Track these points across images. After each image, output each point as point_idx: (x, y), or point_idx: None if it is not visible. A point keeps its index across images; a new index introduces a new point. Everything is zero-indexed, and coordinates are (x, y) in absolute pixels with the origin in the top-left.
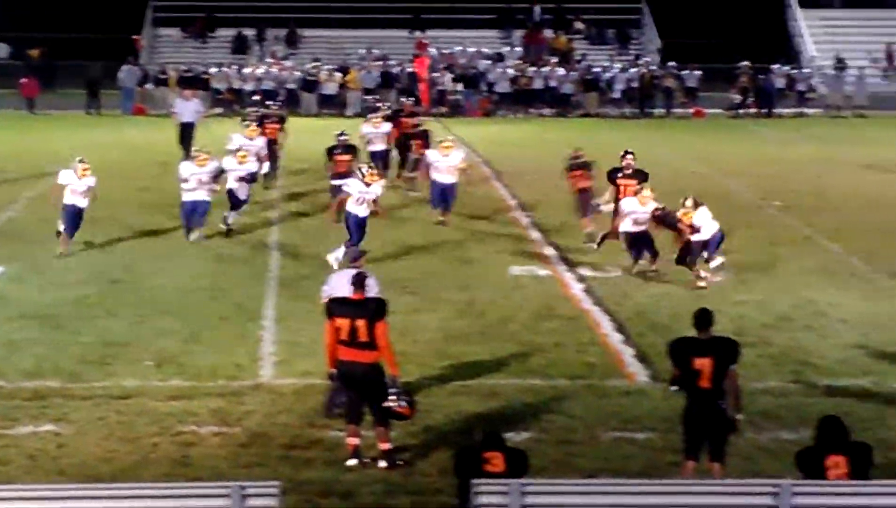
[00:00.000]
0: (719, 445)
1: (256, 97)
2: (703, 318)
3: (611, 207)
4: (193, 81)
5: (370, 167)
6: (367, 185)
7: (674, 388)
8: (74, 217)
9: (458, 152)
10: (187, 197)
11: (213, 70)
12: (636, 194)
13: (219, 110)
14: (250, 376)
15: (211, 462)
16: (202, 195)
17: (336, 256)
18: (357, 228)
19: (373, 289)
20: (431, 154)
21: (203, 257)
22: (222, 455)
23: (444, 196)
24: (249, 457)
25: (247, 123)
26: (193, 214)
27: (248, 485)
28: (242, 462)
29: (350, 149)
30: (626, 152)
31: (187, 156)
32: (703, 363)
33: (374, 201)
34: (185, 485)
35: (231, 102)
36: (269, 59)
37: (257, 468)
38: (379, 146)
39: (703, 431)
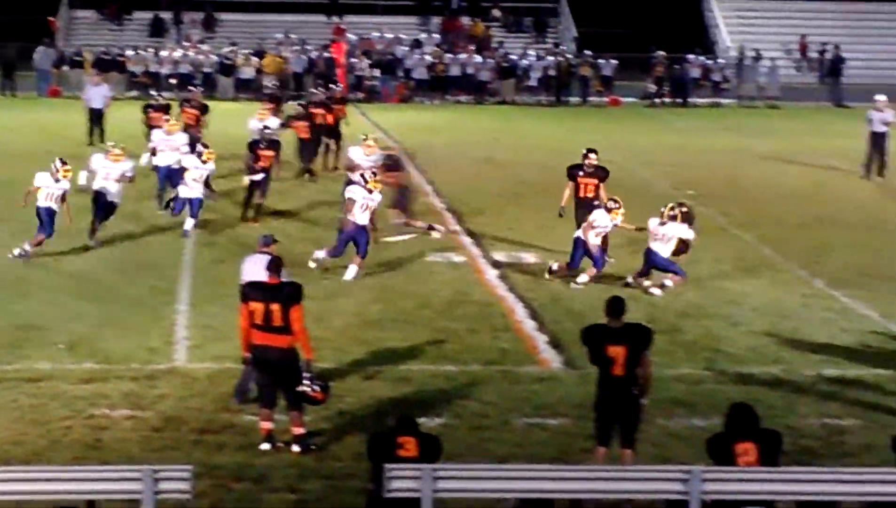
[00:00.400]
0: (630, 432)
1: (173, 81)
2: (615, 306)
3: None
4: (110, 64)
5: (374, 173)
6: (370, 191)
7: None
8: (52, 219)
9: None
10: (96, 186)
11: (129, 53)
12: (595, 193)
13: (134, 93)
14: (164, 360)
15: (123, 445)
16: (111, 189)
17: (351, 275)
18: (359, 235)
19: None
20: (354, 152)
21: (117, 241)
22: (135, 439)
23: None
24: (162, 441)
25: (166, 116)
26: (100, 207)
27: (161, 469)
28: (155, 446)
29: (274, 144)
30: (590, 151)
31: (92, 141)
32: (616, 351)
33: (373, 212)
34: (98, 469)
35: (147, 85)
36: (185, 43)
37: (170, 452)
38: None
39: (615, 418)
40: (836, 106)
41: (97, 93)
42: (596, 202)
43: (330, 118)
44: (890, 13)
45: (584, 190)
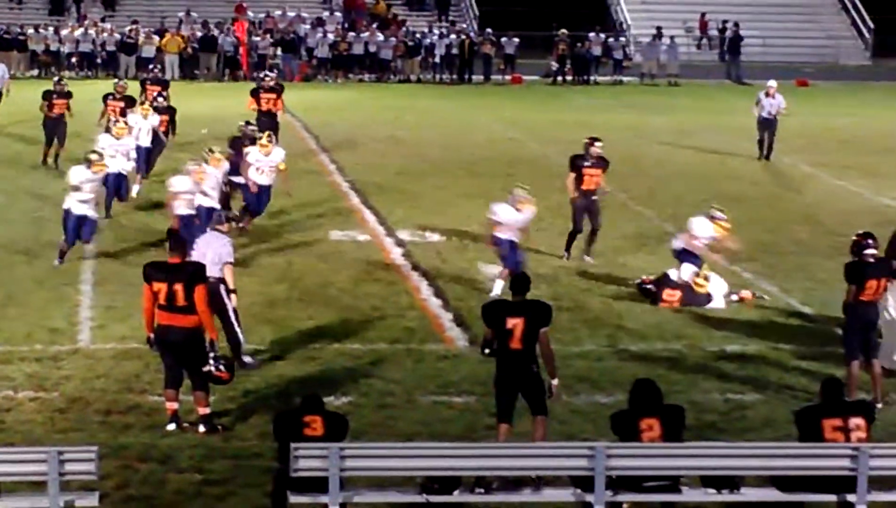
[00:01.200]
0: (537, 400)
1: (74, 59)
2: (520, 283)
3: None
4: (10, 43)
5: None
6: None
7: (486, 352)
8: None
9: (279, 150)
10: (76, 209)
11: (30, 31)
12: (597, 185)
13: (35, 72)
14: (68, 340)
15: (27, 426)
16: (89, 210)
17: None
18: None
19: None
20: (252, 152)
21: (19, 221)
22: (39, 421)
23: (259, 200)
24: (67, 422)
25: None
26: (79, 229)
27: (66, 450)
28: (59, 427)
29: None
30: (593, 139)
31: None
32: (514, 324)
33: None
34: (1, 450)
35: (48, 64)
36: (86, 22)
37: (75, 433)
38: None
39: (515, 393)
40: (737, 83)
41: None
42: (595, 197)
43: (279, 104)
44: None
45: (587, 182)
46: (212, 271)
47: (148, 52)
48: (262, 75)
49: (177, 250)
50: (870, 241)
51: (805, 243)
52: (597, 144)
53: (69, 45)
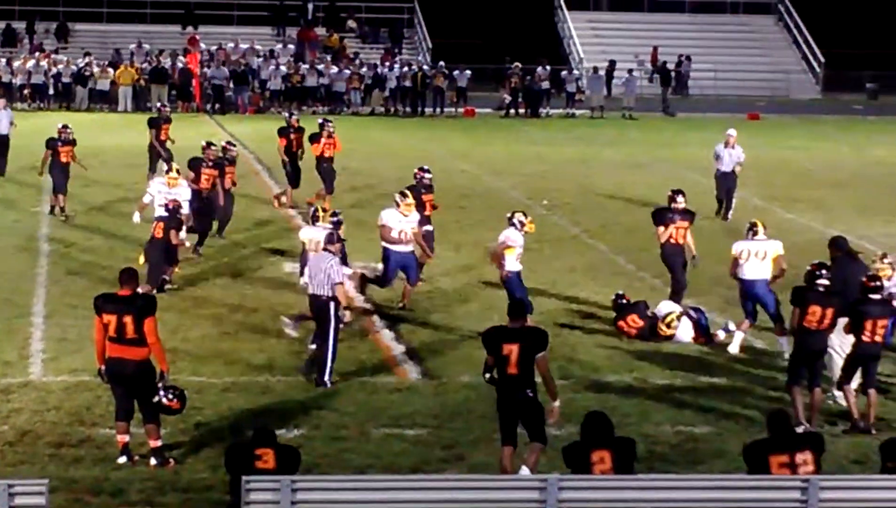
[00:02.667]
0: (534, 427)
1: (26, 91)
2: (516, 309)
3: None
4: None
5: (403, 195)
6: (405, 215)
7: (486, 377)
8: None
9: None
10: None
11: None
12: (684, 237)
13: None
14: (19, 373)
15: None
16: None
17: None
18: (404, 266)
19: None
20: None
21: None
22: None
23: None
24: (17, 455)
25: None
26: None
27: (16, 483)
28: (9, 461)
29: (219, 163)
30: (676, 192)
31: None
32: (510, 349)
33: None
34: None
35: None
36: (37, 53)
37: (25, 466)
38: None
39: (515, 417)
40: (667, 115)
41: (2, 118)
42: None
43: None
44: (736, 25)
45: (675, 235)
46: (323, 291)
47: (103, 84)
48: (288, 115)
49: (127, 282)
50: (823, 271)
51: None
52: (679, 197)
53: (21, 77)
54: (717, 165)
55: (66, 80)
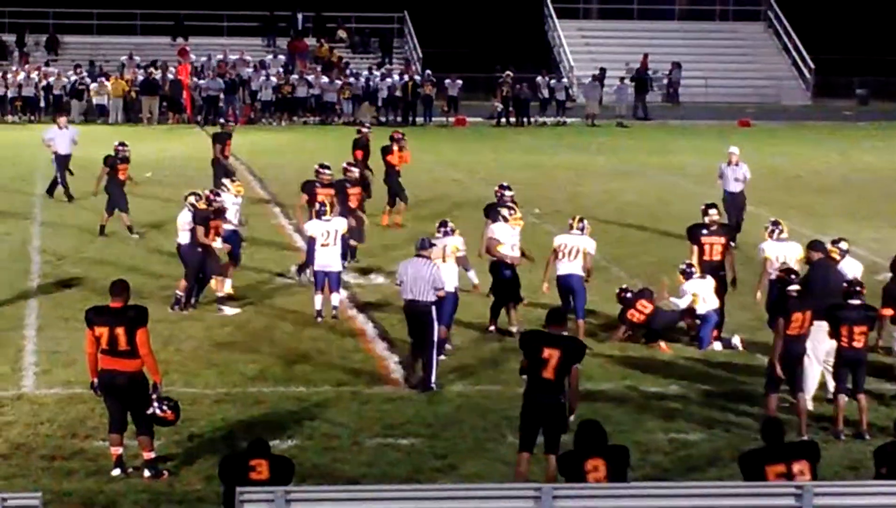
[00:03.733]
0: (555, 437)
1: (18, 104)
2: (556, 315)
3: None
4: None
5: (511, 209)
6: (513, 229)
7: (524, 377)
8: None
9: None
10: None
11: None
12: (723, 255)
13: None
14: (11, 386)
15: None
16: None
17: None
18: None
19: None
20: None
21: None
22: None
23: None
24: (10, 468)
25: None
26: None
27: (9, 496)
28: (3, 474)
29: (339, 185)
30: (709, 206)
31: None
32: (551, 353)
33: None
34: None
35: None
36: (26, 66)
37: (18, 478)
38: None
39: (540, 422)
40: (643, 120)
41: (65, 137)
42: (722, 272)
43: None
44: (726, 32)
45: (710, 252)
46: (425, 296)
47: (100, 99)
48: (363, 125)
49: (118, 294)
50: (792, 276)
51: (749, 282)
52: (711, 211)
53: (12, 90)
54: (722, 186)
55: (56, 92)
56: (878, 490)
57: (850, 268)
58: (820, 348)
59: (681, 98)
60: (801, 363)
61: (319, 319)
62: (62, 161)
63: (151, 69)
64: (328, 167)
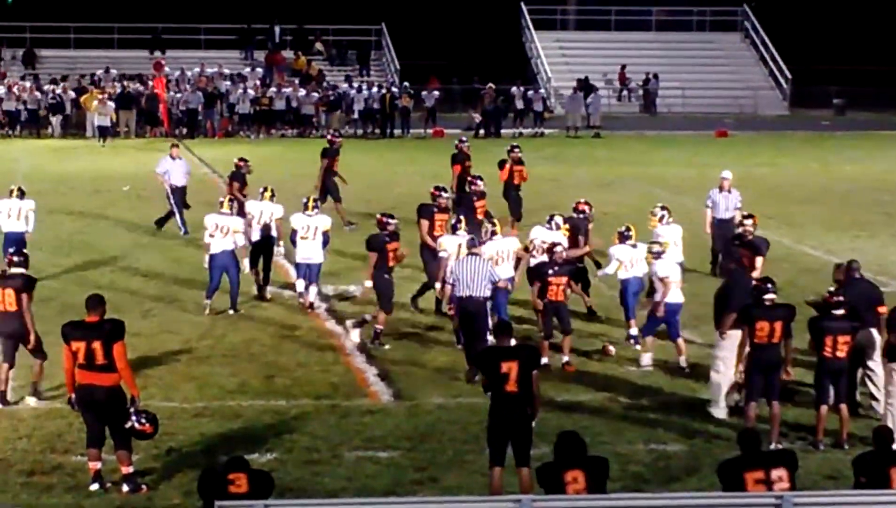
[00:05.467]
0: (524, 450)
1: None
2: (503, 327)
3: None
4: None
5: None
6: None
7: (489, 394)
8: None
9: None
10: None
11: None
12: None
13: None
14: None
15: None
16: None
17: None
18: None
19: None
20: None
21: None
22: None
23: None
24: None
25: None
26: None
27: None
28: None
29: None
30: (746, 217)
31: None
32: (510, 366)
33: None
34: None
35: None
36: (5, 81)
37: None
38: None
39: (508, 436)
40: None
41: (179, 168)
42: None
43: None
44: (703, 42)
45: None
46: (484, 293)
47: (102, 120)
48: (512, 147)
49: (94, 308)
50: (769, 285)
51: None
52: (747, 221)
53: None
54: (711, 214)
55: (31, 106)
56: (858, 500)
57: None
58: (731, 356)
59: (658, 108)
60: (774, 371)
61: (301, 299)
62: (179, 193)
63: (127, 83)
64: (446, 190)
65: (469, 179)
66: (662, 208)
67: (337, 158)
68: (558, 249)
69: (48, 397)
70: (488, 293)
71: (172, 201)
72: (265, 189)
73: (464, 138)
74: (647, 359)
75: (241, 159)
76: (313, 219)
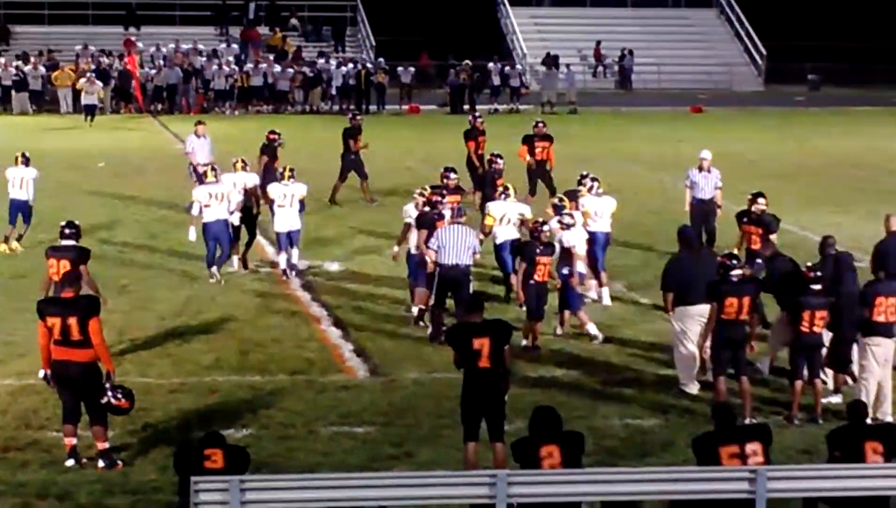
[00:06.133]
0: (498, 425)
1: None
2: (476, 302)
3: None
4: None
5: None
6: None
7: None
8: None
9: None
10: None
11: None
12: (762, 245)
13: None
14: None
15: None
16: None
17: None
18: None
19: None
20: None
21: None
22: None
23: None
24: None
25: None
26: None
27: None
28: None
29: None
30: (757, 195)
31: None
32: (481, 343)
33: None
34: None
35: None
36: None
37: None
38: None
39: (482, 412)
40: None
41: (205, 146)
42: (759, 259)
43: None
44: (678, 18)
45: (749, 241)
46: (467, 260)
47: (89, 99)
48: (536, 122)
49: (69, 284)
50: (734, 262)
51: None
52: (760, 200)
53: None
54: (691, 193)
55: (6, 83)
56: (832, 474)
57: None
58: (693, 330)
59: (633, 85)
60: (741, 347)
61: (284, 277)
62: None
63: (101, 59)
64: (455, 172)
65: (490, 158)
66: (593, 179)
67: (359, 136)
68: (545, 228)
69: (23, 373)
70: (471, 262)
71: (195, 179)
72: (237, 160)
73: (478, 114)
74: (560, 327)
75: (272, 132)
76: (289, 188)
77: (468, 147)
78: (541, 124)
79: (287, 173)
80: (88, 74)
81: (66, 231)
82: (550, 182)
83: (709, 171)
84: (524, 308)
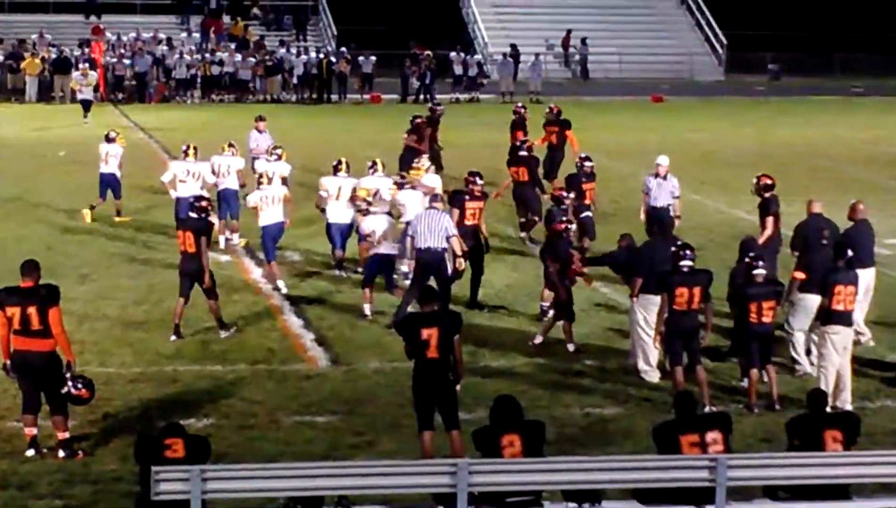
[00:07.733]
0: (451, 413)
1: None
2: (428, 293)
3: None
4: None
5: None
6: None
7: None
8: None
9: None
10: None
11: None
12: (775, 233)
13: None
14: None
15: None
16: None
17: None
18: None
19: None
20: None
21: None
22: None
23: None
24: None
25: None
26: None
27: None
28: None
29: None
30: (762, 176)
31: None
32: (430, 333)
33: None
34: None
35: None
36: None
37: None
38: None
39: (433, 401)
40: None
41: (265, 141)
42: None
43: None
44: (639, 7)
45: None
46: (440, 244)
47: (86, 93)
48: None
49: (29, 273)
50: (686, 252)
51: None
52: (766, 179)
53: None
54: (645, 200)
55: None
56: (791, 462)
57: None
58: (650, 318)
59: (594, 74)
60: (693, 337)
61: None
62: None
63: (64, 48)
64: (481, 176)
65: (515, 144)
66: (373, 162)
67: (437, 127)
68: (572, 227)
69: None
70: (446, 245)
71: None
72: (229, 144)
73: (520, 103)
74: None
75: (259, 119)
76: (271, 165)
77: (516, 136)
78: (547, 110)
79: (342, 167)
80: (82, 66)
81: (196, 205)
82: (554, 168)
83: (665, 178)
84: (550, 314)
